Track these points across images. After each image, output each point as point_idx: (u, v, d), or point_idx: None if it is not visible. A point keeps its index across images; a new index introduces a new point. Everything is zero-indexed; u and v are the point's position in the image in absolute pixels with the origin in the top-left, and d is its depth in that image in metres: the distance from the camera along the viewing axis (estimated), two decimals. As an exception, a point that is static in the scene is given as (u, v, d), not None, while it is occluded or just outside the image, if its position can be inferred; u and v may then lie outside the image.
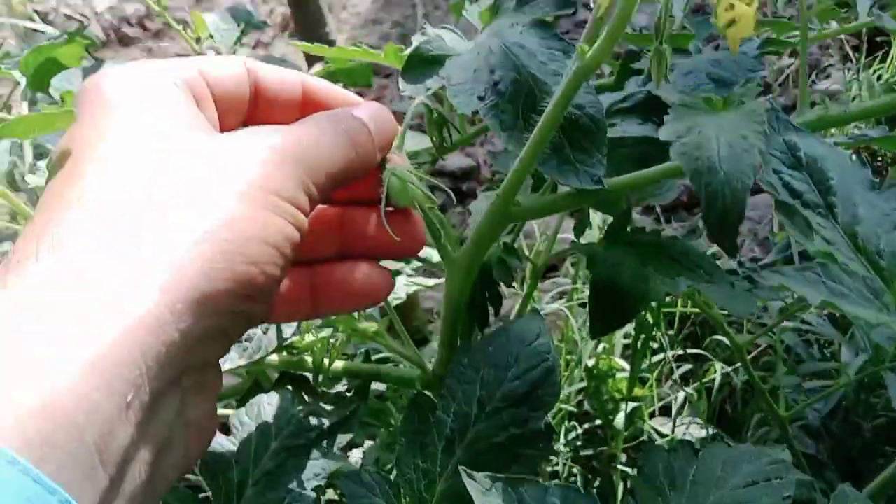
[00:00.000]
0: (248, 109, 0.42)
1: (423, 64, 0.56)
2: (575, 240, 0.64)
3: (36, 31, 2.14)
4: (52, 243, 0.30)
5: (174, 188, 0.33)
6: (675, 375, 1.20)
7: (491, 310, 0.66)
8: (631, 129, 0.57)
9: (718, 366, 1.15)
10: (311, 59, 1.24)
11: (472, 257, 0.55)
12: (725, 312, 0.94)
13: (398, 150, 0.48)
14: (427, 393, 0.53)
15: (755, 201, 1.62)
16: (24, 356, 0.27)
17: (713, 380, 1.16)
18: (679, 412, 1.14)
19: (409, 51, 0.57)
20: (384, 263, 0.44)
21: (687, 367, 1.23)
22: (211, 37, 0.76)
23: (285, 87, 0.42)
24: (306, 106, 0.42)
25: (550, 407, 0.52)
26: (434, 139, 0.64)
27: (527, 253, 0.89)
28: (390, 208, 0.43)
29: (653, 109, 0.58)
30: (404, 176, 0.42)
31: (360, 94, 0.70)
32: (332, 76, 0.77)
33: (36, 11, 2.50)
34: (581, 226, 0.65)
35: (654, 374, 1.16)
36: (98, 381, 0.27)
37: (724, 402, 1.25)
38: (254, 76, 0.41)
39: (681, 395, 1.16)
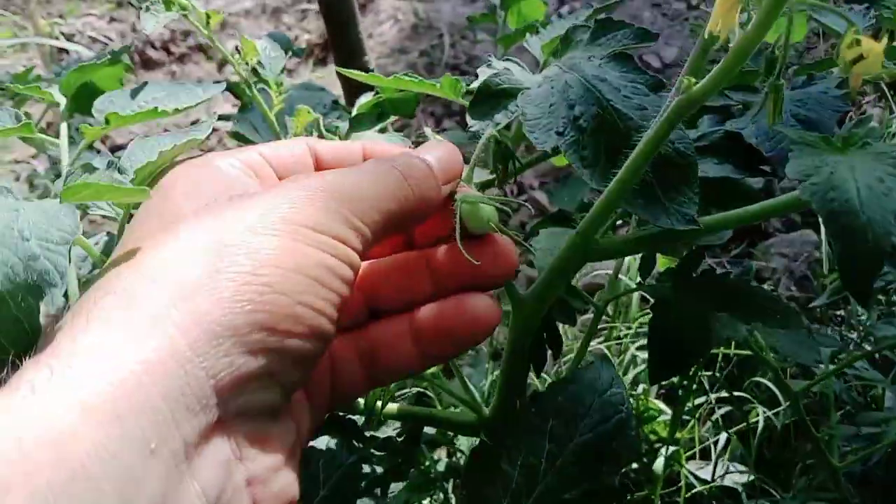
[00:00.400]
0: None
1: (492, 98, 0.54)
2: (641, 280, 0.61)
3: (63, 51, 2.15)
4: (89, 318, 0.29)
5: (197, 234, 0.32)
6: (714, 417, 1.16)
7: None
8: (708, 170, 0.54)
9: (761, 410, 1.10)
10: (349, 88, 1.22)
11: (543, 297, 0.52)
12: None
13: (468, 183, 0.46)
14: (489, 443, 0.50)
15: (791, 238, 1.59)
16: (36, 407, 0.25)
17: (755, 423, 1.12)
18: (719, 456, 1.10)
19: (475, 83, 0.55)
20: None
21: (724, 409, 1.19)
22: (259, 63, 0.74)
23: (346, 158, 0.43)
24: None
25: (625, 462, 0.49)
26: (497, 172, 0.62)
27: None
28: (471, 236, 0.41)
29: (732, 150, 0.55)
30: (475, 199, 0.41)
31: (406, 124, 0.68)
32: (378, 107, 0.75)
33: (62, 33, 2.51)
34: (647, 265, 0.62)
35: (694, 417, 1.12)
36: (113, 428, 0.25)
37: (760, 446, 1.21)
38: (314, 153, 0.43)
39: (720, 438, 1.12)
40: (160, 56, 2.50)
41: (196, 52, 2.54)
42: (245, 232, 0.32)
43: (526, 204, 0.50)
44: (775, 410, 1.16)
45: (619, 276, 1.06)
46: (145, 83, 0.71)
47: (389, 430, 0.58)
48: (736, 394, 1.16)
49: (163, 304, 0.29)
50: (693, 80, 0.42)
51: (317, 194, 0.34)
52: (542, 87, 0.52)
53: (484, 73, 0.55)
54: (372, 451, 0.55)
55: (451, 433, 0.64)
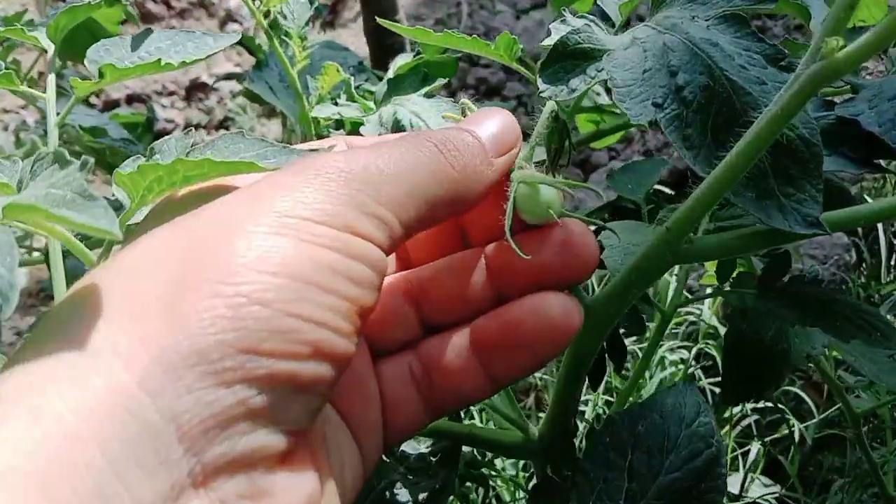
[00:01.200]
0: None
1: (568, 58, 0.45)
2: (720, 285, 0.53)
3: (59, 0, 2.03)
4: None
5: (174, 233, 0.25)
6: (743, 426, 1.09)
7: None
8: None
9: (797, 423, 1.03)
10: (377, 51, 1.13)
11: (619, 303, 0.43)
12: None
13: (528, 162, 0.37)
14: (554, 479, 0.41)
15: (820, 240, 1.51)
16: None
17: (786, 434, 1.05)
18: (750, 469, 1.03)
19: (548, 40, 0.46)
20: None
21: (752, 418, 1.12)
22: (281, 13, 0.65)
23: None
24: None
25: (714, 506, 0.41)
26: (550, 151, 0.53)
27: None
28: (532, 226, 0.33)
29: (845, 139, 0.46)
30: (534, 180, 0.32)
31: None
32: (418, 69, 0.66)
33: (58, -19, 2.39)
34: (727, 268, 0.53)
35: (729, 425, 1.04)
36: (36, 497, 0.19)
37: (785, 457, 1.14)
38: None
39: (750, 449, 1.05)
40: (160, 10, 2.39)
41: (198, 8, 2.43)
42: (225, 228, 0.24)
43: (596, 190, 0.41)
44: (806, 424, 1.09)
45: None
46: (148, 30, 0.61)
47: (422, 446, 0.49)
48: (768, 404, 1.08)
49: (107, 329, 0.22)
50: (839, 42, 0.34)
51: (325, 177, 0.26)
52: (630, 50, 0.43)
53: (558, 30, 0.46)
54: (403, 470, 0.47)
55: (491, 454, 0.56)
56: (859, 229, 1.50)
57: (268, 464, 0.23)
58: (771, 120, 0.36)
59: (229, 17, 2.39)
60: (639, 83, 0.41)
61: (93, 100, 2.13)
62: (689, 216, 0.40)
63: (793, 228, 0.38)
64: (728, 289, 0.51)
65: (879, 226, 1.37)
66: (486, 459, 0.57)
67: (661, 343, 1.10)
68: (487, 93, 1.97)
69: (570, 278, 0.33)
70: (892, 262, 1.39)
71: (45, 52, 0.62)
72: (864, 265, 1.42)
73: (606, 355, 0.53)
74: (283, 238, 0.24)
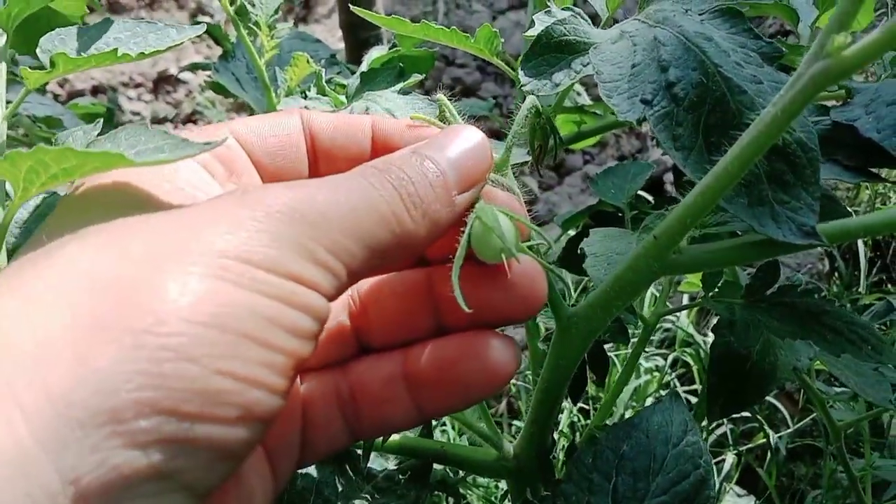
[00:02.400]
0: (310, 167, 0.33)
1: (552, 51, 0.42)
2: (705, 295, 0.50)
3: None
4: None
5: (82, 260, 0.22)
6: (717, 435, 1.07)
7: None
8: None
9: (771, 433, 1.02)
10: (353, 46, 1.09)
11: (601, 316, 0.40)
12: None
13: (502, 168, 0.34)
14: (534, 501, 0.38)
15: (795, 246, 1.51)
16: None
17: (759, 445, 1.04)
18: (725, 479, 1.01)
19: (532, 31, 0.43)
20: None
21: (726, 427, 1.11)
22: (250, 2, 0.61)
23: (351, 138, 0.33)
24: (379, 154, 0.31)
25: (701, 533, 0.38)
26: (534, 150, 0.50)
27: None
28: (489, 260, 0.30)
29: (841, 145, 0.44)
30: (492, 219, 0.29)
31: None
32: (392, 62, 0.62)
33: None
34: (712, 277, 0.51)
35: (706, 433, 1.03)
36: None
37: (759, 467, 1.13)
38: (309, 130, 0.33)
39: (725, 459, 1.03)
40: (129, 0, 2.32)
41: (168, 0, 2.37)
42: (156, 265, 0.21)
43: (549, 241, 0.37)
44: (781, 434, 1.08)
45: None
46: (106, 19, 0.57)
47: (390, 463, 0.46)
48: (743, 413, 1.07)
49: (10, 370, 0.19)
50: (847, 37, 0.31)
51: (275, 217, 0.24)
52: (619, 44, 0.41)
53: (542, 21, 0.43)
54: (370, 490, 0.44)
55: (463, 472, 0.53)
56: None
57: None
58: (770, 123, 0.33)
59: (200, 10, 2.33)
60: (627, 78, 0.38)
61: (57, 90, 2.06)
62: (679, 225, 0.37)
63: (787, 238, 0.35)
64: (714, 299, 0.49)
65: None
66: (460, 478, 0.54)
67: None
68: (463, 93, 1.94)
69: (514, 318, 0.32)
70: (866, 272, 1.40)
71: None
72: (836, 274, 1.42)
73: (587, 367, 0.50)
74: (219, 282, 0.21)
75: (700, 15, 0.40)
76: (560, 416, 1.04)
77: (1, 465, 0.18)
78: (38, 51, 0.52)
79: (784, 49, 0.38)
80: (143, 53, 0.50)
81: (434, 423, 0.52)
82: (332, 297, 0.25)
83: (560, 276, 0.35)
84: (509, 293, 0.30)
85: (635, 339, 0.62)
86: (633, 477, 0.38)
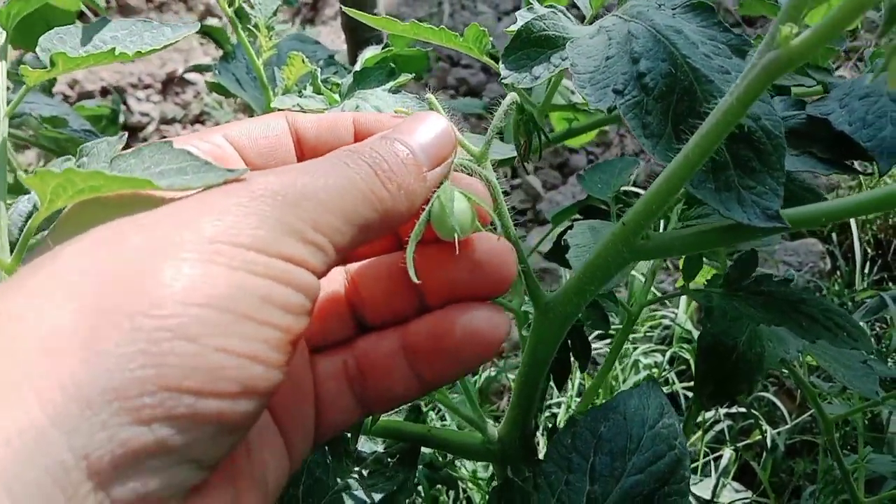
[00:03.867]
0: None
1: (532, 45, 0.44)
2: (685, 284, 0.52)
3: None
4: None
5: (82, 258, 0.23)
6: (715, 431, 1.08)
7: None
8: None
9: (769, 429, 1.03)
10: (354, 46, 1.11)
11: (576, 301, 0.42)
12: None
13: (482, 161, 0.36)
14: (516, 480, 0.40)
15: (795, 246, 1.51)
16: None
17: (758, 440, 1.04)
18: (722, 474, 1.02)
19: (514, 26, 0.44)
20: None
21: (724, 423, 1.11)
22: (249, 3, 0.63)
23: (334, 134, 0.35)
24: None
25: (675, 510, 0.39)
26: (519, 146, 0.52)
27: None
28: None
29: (815, 138, 0.45)
30: (446, 200, 0.32)
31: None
32: (385, 62, 0.64)
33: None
34: (692, 266, 0.52)
35: (701, 429, 1.04)
36: None
37: (756, 463, 1.13)
38: (295, 130, 0.35)
39: (722, 454, 1.04)
40: (138, 3, 2.35)
41: (176, 2, 2.40)
42: (151, 254, 0.23)
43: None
44: (779, 429, 1.08)
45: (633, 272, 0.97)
46: (103, 19, 0.59)
47: (378, 446, 0.48)
48: (740, 409, 1.08)
49: (18, 363, 0.20)
50: (794, 28, 0.32)
51: (259, 201, 0.25)
52: (596, 38, 0.42)
53: (524, 17, 0.45)
54: (359, 471, 0.45)
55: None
56: (834, 237, 1.50)
57: (181, 496, 0.22)
58: (726, 111, 0.34)
59: (208, 12, 2.36)
60: (600, 70, 0.40)
61: (67, 91, 2.09)
62: (646, 210, 0.38)
63: (751, 221, 0.37)
64: (693, 288, 0.50)
65: (854, 233, 1.38)
66: (448, 460, 0.55)
67: (636, 346, 1.09)
68: (467, 93, 1.96)
69: (485, 293, 0.33)
70: (866, 270, 1.40)
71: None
72: (838, 272, 1.42)
73: (571, 355, 0.51)
74: (212, 266, 0.23)
75: (672, 9, 0.41)
76: (559, 409, 1.06)
77: (21, 445, 0.19)
78: (37, 49, 0.54)
79: (752, 41, 0.39)
80: (139, 52, 0.52)
81: (422, 410, 0.53)
82: (321, 273, 0.26)
83: (523, 255, 0.37)
84: (477, 271, 0.32)
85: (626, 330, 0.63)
86: (611, 456, 0.39)
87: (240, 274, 0.23)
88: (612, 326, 1.09)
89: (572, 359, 0.54)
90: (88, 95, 2.04)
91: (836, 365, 0.54)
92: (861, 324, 0.58)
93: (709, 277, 0.53)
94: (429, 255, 0.32)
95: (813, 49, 0.32)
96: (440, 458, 0.53)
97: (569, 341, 0.51)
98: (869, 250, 1.48)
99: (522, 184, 1.91)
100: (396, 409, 0.51)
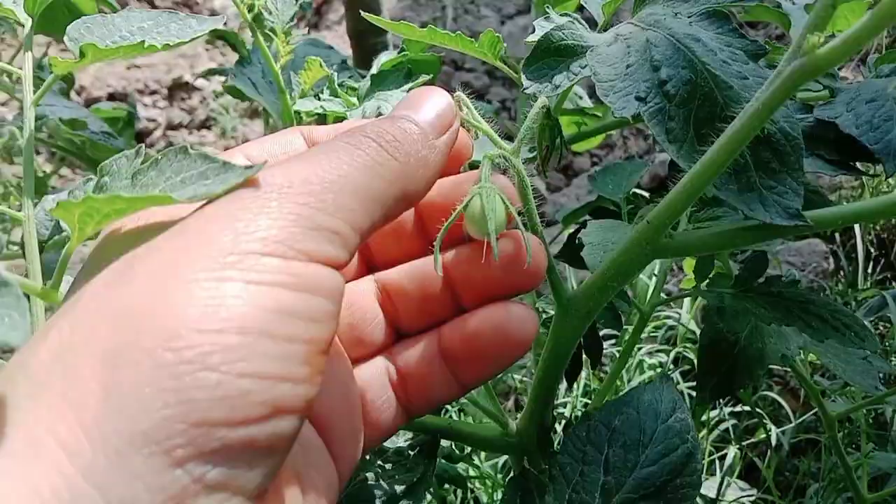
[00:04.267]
0: None
1: (552, 55, 0.45)
2: (697, 284, 0.53)
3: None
4: None
5: (101, 297, 0.22)
6: (720, 430, 1.09)
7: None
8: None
9: (774, 429, 1.04)
10: (361, 52, 1.12)
11: (598, 298, 0.43)
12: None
13: (516, 155, 0.37)
14: (532, 471, 0.41)
15: (798, 247, 1.53)
16: None
17: (763, 439, 1.05)
18: (727, 473, 1.03)
19: (533, 37, 0.46)
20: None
21: (729, 422, 1.13)
22: (266, 8, 0.65)
23: None
24: None
25: (691, 501, 0.41)
26: (541, 149, 0.53)
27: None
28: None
29: (822, 141, 0.47)
30: (488, 200, 0.32)
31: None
32: (401, 65, 0.66)
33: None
34: (704, 266, 0.54)
35: (707, 429, 1.05)
36: None
37: (762, 462, 1.15)
38: (312, 142, 0.34)
39: (727, 453, 1.06)
40: (143, 8, 2.37)
41: (182, 7, 2.41)
42: (161, 282, 0.22)
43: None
44: (783, 428, 1.10)
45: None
46: (129, 8, 0.60)
47: (400, 440, 0.49)
48: (745, 409, 1.09)
49: (46, 415, 0.20)
50: (820, 37, 0.34)
51: (264, 197, 0.24)
52: (614, 46, 0.44)
53: (542, 27, 0.46)
54: (381, 464, 0.47)
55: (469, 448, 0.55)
56: (837, 237, 1.52)
57: None
58: (752, 115, 0.36)
59: (214, 15, 2.37)
60: (622, 78, 0.41)
61: (74, 97, 2.11)
62: (670, 209, 0.40)
63: (774, 220, 0.38)
64: (706, 289, 0.52)
65: (858, 233, 1.39)
66: (465, 454, 0.56)
67: (640, 346, 1.11)
68: (471, 97, 1.97)
69: (519, 289, 0.34)
70: (870, 270, 1.41)
71: (23, 26, 0.61)
72: (841, 272, 1.43)
73: (583, 352, 0.53)
74: (227, 284, 0.21)
75: (689, 17, 0.43)
76: (564, 408, 1.07)
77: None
78: (65, 38, 0.54)
79: (767, 47, 0.41)
80: (167, 45, 0.53)
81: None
82: (344, 263, 0.25)
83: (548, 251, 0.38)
84: (511, 267, 0.33)
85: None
86: (624, 449, 0.40)
87: (255, 288, 0.22)
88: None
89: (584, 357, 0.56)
90: (95, 101, 2.05)
91: (836, 361, 0.56)
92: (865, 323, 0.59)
93: (711, 277, 0.54)
94: (462, 255, 0.33)
95: (841, 58, 0.34)
96: (458, 452, 0.54)
97: (581, 339, 0.52)
98: (872, 250, 1.50)
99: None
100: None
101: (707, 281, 0.58)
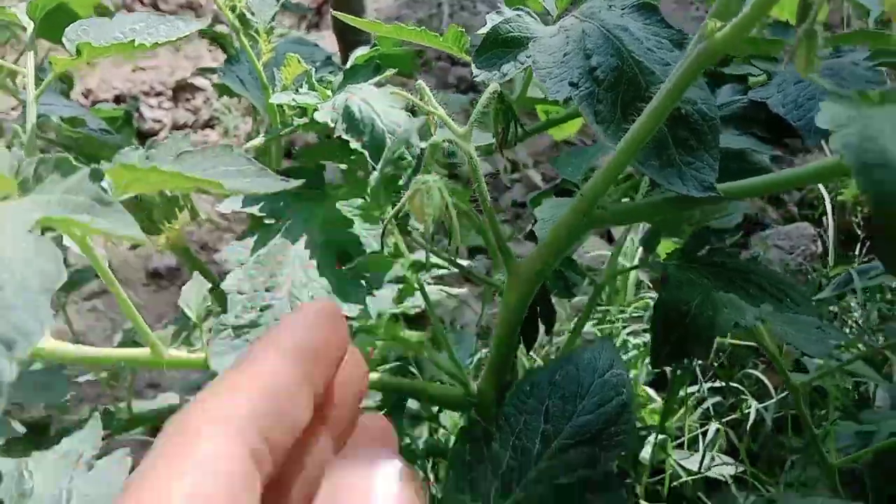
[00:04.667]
0: None
1: (500, 46, 0.49)
2: (645, 257, 0.57)
3: None
4: None
5: None
6: (703, 407, 1.13)
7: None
8: (729, 142, 0.50)
9: (753, 403, 1.08)
10: (346, 48, 1.17)
11: (542, 266, 0.47)
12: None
13: (466, 139, 0.42)
14: (480, 421, 0.45)
15: (787, 230, 1.56)
16: None
17: (746, 415, 1.09)
18: (707, 447, 1.07)
19: (483, 29, 0.50)
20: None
21: (713, 399, 1.16)
22: (248, 9, 0.69)
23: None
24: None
25: (624, 447, 0.45)
26: (497, 133, 0.57)
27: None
28: None
29: (755, 120, 0.51)
30: (428, 192, 0.37)
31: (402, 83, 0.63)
32: (372, 60, 0.70)
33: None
34: (653, 239, 0.58)
35: (686, 406, 1.09)
36: None
37: (749, 438, 1.18)
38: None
39: (709, 429, 1.09)
40: (148, 12, 2.42)
41: (186, 10, 2.47)
42: None
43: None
44: (765, 404, 1.13)
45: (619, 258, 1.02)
46: (122, 13, 0.65)
47: (369, 401, 0.54)
48: (728, 384, 1.13)
49: None
50: (718, 23, 0.38)
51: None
52: (555, 37, 0.48)
53: (492, 20, 0.50)
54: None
55: (435, 408, 0.60)
56: (825, 221, 1.55)
57: None
58: (665, 94, 0.40)
59: (217, 20, 2.42)
60: (558, 65, 0.45)
61: (81, 100, 2.17)
62: (600, 184, 0.44)
63: (690, 192, 0.42)
64: (652, 261, 0.56)
65: (829, 213, 1.43)
66: (429, 415, 0.60)
67: (625, 326, 1.15)
68: (467, 90, 2.01)
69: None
70: (857, 252, 1.45)
71: (25, 29, 0.66)
72: (829, 255, 1.47)
73: (539, 319, 0.57)
74: None
75: (622, 9, 0.47)
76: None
77: None
78: (64, 39, 0.59)
79: (687, 35, 0.45)
80: (157, 43, 0.58)
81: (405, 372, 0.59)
82: None
83: (497, 225, 0.42)
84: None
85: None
86: (563, 400, 0.45)
87: None
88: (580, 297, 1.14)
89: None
90: (102, 103, 2.11)
91: (787, 329, 0.59)
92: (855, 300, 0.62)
93: (669, 251, 0.58)
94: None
95: (734, 41, 0.38)
96: (423, 413, 0.59)
97: (538, 308, 0.56)
98: (860, 233, 1.53)
99: (522, 178, 1.97)
100: (387, 367, 0.57)
101: (666, 254, 0.62)
